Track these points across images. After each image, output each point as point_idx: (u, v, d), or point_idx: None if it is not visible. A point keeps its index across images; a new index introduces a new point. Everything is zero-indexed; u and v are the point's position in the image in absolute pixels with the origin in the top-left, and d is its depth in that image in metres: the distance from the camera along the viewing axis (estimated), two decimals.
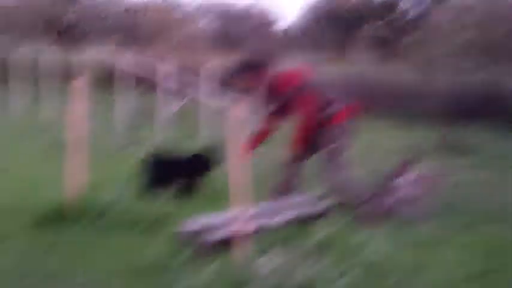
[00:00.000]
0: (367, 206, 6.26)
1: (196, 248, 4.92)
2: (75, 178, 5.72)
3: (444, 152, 10.82)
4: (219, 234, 5.02)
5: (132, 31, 23.47)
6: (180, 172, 6.88)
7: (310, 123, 6.38)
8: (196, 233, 5.00)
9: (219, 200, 6.42)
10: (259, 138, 6.70)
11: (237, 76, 6.53)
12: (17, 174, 7.23)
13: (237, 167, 4.90)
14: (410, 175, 7.66)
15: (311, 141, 6.48)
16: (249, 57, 6.71)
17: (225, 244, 4.95)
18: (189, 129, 11.88)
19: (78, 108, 5.75)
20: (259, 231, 5.17)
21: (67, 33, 22.68)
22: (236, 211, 4.90)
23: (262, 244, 5.05)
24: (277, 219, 5.21)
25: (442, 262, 5.26)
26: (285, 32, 31.99)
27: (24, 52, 16.21)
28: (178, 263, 4.57)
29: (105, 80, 17.44)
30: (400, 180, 7.42)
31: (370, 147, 11.19)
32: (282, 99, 6.41)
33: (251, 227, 5.19)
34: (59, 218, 5.28)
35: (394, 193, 6.84)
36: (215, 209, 6.03)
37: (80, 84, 5.76)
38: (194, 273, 4.45)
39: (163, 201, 6.28)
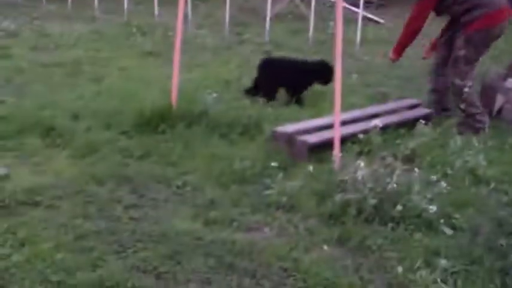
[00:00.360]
0: (476, 116, 6.04)
1: (291, 151, 4.96)
2: (178, 79, 5.79)
3: None
4: (315, 138, 5.03)
5: None
6: (298, 77, 6.74)
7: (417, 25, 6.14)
8: (292, 136, 5.03)
9: (319, 104, 6.41)
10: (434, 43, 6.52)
11: None
12: (126, 75, 7.43)
13: (339, 70, 4.79)
14: None
15: (446, 43, 6.29)
16: None
17: (321, 148, 4.96)
18: (297, 27, 11.75)
19: (182, 9, 5.70)
20: (355, 136, 5.13)
21: None
22: (333, 116, 4.86)
23: (358, 148, 5.03)
24: (374, 124, 5.13)
25: None
26: None
27: None
28: (272, 166, 4.61)
29: None
30: None
31: None
32: None
33: (347, 131, 5.16)
34: (159, 120, 5.39)
35: (505, 94, 6.57)
36: (314, 113, 6.05)
37: None
38: (288, 177, 4.50)
39: (262, 104, 6.30)
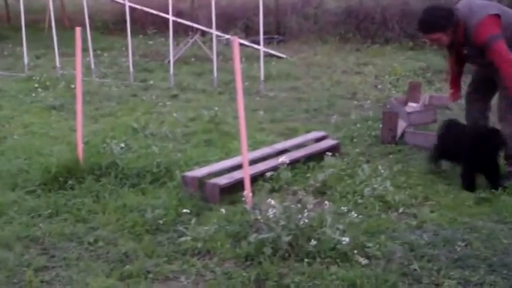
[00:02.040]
0: None
1: (203, 194, 4.95)
2: (85, 131, 5.67)
3: None
4: (225, 180, 5.03)
5: None
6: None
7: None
8: (203, 180, 5.03)
9: (227, 145, 6.44)
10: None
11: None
12: (30, 131, 7.25)
13: (242, 108, 4.80)
14: (422, 100, 7.60)
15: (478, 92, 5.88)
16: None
17: (233, 189, 4.97)
18: (201, 69, 11.80)
19: (79, 57, 5.61)
20: (264, 174, 5.18)
21: None
22: (241, 156, 4.88)
23: (269, 186, 5.07)
24: (282, 160, 5.19)
25: (452, 188, 5.25)
26: None
27: None
28: (185, 212, 4.58)
29: (117, 23, 17.38)
30: (412, 105, 7.37)
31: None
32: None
33: (256, 170, 5.21)
34: (66, 175, 5.26)
35: (405, 119, 6.79)
36: (223, 155, 6.06)
37: (78, 33, 5.59)
38: (202, 222, 4.48)
39: (171, 149, 6.27)
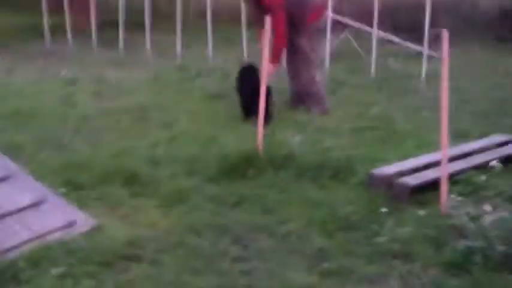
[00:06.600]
0: None
1: (393, 193, 4.68)
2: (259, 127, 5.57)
3: None
4: (416, 179, 4.75)
5: None
6: None
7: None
8: (392, 178, 4.76)
9: (403, 144, 6.15)
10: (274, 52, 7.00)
11: None
12: (196, 119, 7.18)
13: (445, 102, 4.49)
14: None
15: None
16: None
17: (425, 189, 4.68)
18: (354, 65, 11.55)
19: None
20: (459, 176, 4.86)
21: None
22: (435, 154, 4.59)
23: (461, 189, 4.73)
24: (492, 164, 4.83)
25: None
26: None
27: None
28: (376, 210, 4.35)
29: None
30: None
31: None
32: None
33: (452, 170, 4.86)
34: (246, 165, 5.16)
35: None
36: (400, 153, 5.77)
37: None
38: (397, 223, 4.22)
39: (345, 145, 6.03)
